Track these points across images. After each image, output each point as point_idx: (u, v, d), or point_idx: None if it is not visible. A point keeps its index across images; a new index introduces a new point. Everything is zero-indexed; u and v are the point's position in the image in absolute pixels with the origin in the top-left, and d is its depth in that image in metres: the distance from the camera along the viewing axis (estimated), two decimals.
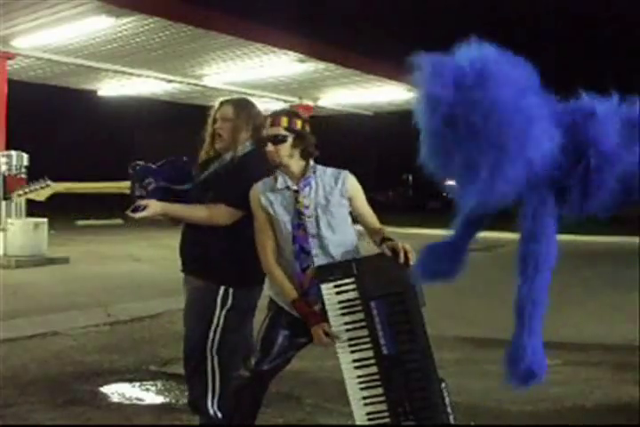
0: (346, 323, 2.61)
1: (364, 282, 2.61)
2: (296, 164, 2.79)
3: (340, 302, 2.62)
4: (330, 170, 2.85)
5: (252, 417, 2.86)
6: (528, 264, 2.41)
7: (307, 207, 2.75)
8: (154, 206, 2.87)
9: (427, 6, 36.69)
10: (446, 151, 2.20)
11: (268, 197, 2.78)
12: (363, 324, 2.60)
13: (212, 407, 2.96)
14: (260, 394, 2.82)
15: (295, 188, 2.77)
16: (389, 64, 15.22)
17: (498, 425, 3.61)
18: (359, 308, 2.61)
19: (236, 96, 3.25)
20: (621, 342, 5.30)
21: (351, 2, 38.73)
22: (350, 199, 2.82)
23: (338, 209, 2.78)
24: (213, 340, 2.93)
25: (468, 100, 2.06)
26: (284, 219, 2.76)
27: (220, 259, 2.96)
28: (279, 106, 18.13)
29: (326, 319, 2.64)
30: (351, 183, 2.83)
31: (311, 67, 13.70)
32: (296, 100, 17.30)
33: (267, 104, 18.20)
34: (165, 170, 3.09)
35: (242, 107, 3.07)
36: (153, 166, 3.10)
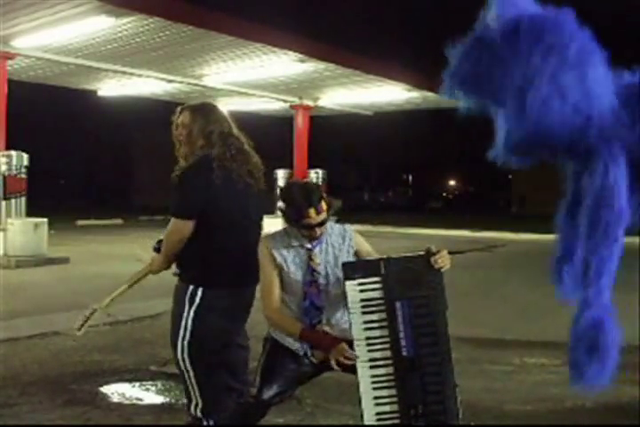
0: (366, 322, 2.61)
1: (390, 282, 2.61)
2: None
3: (363, 300, 2.62)
4: (336, 227, 2.92)
5: None
6: (596, 229, 2.36)
7: (318, 264, 2.81)
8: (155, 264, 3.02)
9: (426, 6, 36.71)
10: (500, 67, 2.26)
11: (282, 254, 2.83)
12: (383, 324, 2.60)
13: (195, 410, 2.96)
14: (258, 419, 2.81)
15: (309, 246, 2.82)
16: (389, 64, 15.25)
17: (498, 425, 3.61)
18: (382, 307, 2.61)
19: (197, 101, 3.21)
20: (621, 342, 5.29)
21: (351, 2, 38.76)
22: (357, 252, 2.90)
23: None
24: (183, 339, 2.92)
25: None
26: (297, 276, 2.81)
27: (189, 258, 2.98)
28: (279, 106, 18.17)
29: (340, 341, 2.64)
30: (356, 240, 2.92)
31: (311, 67, 13.70)
32: (296, 100, 17.30)
33: (267, 104, 18.27)
34: None
35: (198, 113, 3.03)
36: None
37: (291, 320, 2.77)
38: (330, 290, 2.82)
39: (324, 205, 2.76)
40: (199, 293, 2.93)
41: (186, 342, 2.92)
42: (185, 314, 2.94)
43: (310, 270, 2.81)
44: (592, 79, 2.25)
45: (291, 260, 2.83)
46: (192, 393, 2.96)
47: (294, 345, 2.85)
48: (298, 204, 2.74)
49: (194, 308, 2.93)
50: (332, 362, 2.64)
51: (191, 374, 2.93)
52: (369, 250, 2.95)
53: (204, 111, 3.05)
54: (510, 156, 2.41)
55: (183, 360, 2.93)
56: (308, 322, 2.79)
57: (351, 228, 2.96)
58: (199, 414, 2.95)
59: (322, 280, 2.82)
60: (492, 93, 2.34)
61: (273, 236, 2.90)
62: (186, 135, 3.01)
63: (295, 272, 2.82)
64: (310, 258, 2.82)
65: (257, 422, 2.80)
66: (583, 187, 2.42)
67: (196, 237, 2.94)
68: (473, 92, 2.39)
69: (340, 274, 2.76)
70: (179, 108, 3.11)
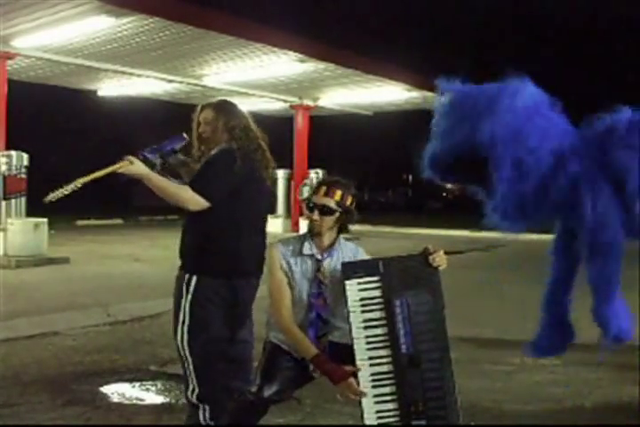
0: (365, 320, 2.63)
1: (389, 281, 2.65)
2: (329, 236, 2.85)
3: (363, 299, 2.64)
4: (349, 244, 2.93)
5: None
6: (596, 254, 2.52)
7: (326, 277, 2.81)
8: (138, 166, 2.93)
9: (426, 6, 36.72)
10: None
11: (288, 262, 2.83)
12: (382, 322, 2.63)
13: (192, 398, 3.00)
14: (259, 416, 2.82)
15: (319, 257, 2.82)
16: (389, 64, 15.24)
17: (498, 425, 3.61)
18: (381, 306, 2.64)
19: (216, 99, 3.33)
20: None
21: (351, 2, 38.78)
22: None
23: None
24: (183, 325, 2.98)
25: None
26: (302, 286, 2.81)
27: (188, 248, 3.06)
28: (279, 106, 18.15)
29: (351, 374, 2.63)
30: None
31: (311, 67, 13.70)
32: (296, 100, 17.30)
33: (267, 104, 18.25)
34: (164, 144, 3.23)
35: (220, 109, 3.15)
36: (153, 146, 3.21)
37: (306, 342, 2.73)
38: (334, 302, 2.81)
39: (337, 194, 2.78)
40: (193, 280, 2.99)
41: (185, 328, 2.98)
42: (183, 301, 3.00)
43: (317, 282, 2.81)
44: (549, 131, 2.49)
45: (297, 268, 2.82)
46: (189, 380, 3.01)
47: (292, 349, 2.85)
48: (321, 181, 2.91)
49: (190, 295, 2.98)
50: (338, 395, 2.64)
51: (189, 360, 2.98)
52: None
53: (226, 107, 3.17)
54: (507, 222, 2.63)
55: (182, 347, 2.99)
56: (313, 334, 2.78)
57: (362, 250, 2.96)
58: (194, 399, 3.00)
59: (327, 293, 2.81)
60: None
61: (286, 242, 2.90)
62: (210, 132, 3.11)
63: (300, 282, 2.81)
64: (318, 269, 2.81)
65: (257, 421, 2.81)
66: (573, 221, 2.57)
67: (199, 225, 2.99)
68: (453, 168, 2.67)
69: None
70: (199, 106, 3.21)
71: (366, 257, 2.91)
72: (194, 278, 2.99)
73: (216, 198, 2.93)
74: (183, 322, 2.98)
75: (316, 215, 2.79)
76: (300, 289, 2.81)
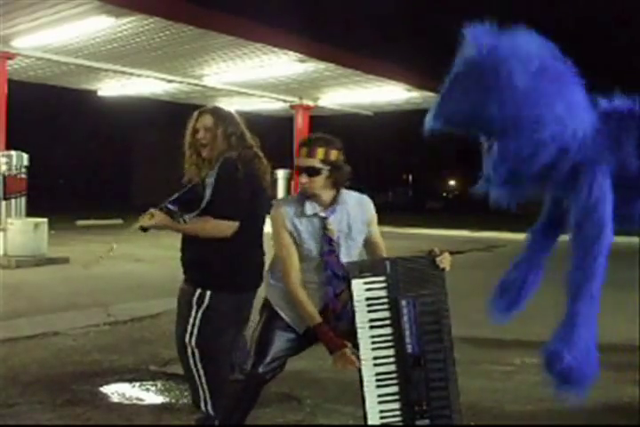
0: (371, 320, 2.63)
1: (396, 281, 2.65)
2: (327, 193, 2.78)
3: (369, 298, 2.64)
4: (353, 195, 2.86)
5: (245, 416, 2.86)
6: (578, 245, 2.51)
7: (335, 234, 2.78)
8: (159, 217, 2.91)
9: (426, 7, 36.72)
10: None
11: (294, 223, 2.77)
12: (388, 322, 2.63)
13: (206, 406, 3.00)
14: (255, 396, 2.81)
15: (323, 215, 2.77)
16: (389, 64, 15.24)
17: (498, 425, 3.61)
18: (386, 306, 2.64)
19: (210, 105, 3.26)
20: (621, 342, 5.29)
21: (352, 2, 38.76)
22: (368, 225, 2.87)
23: (358, 236, 2.82)
24: (190, 338, 2.96)
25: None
26: (310, 246, 2.77)
27: (198, 262, 3.01)
28: (279, 106, 18.16)
29: (349, 341, 2.63)
30: (371, 211, 2.88)
31: (311, 67, 13.70)
32: (296, 100, 17.30)
33: (267, 104, 18.26)
34: (183, 196, 3.13)
35: (219, 116, 3.10)
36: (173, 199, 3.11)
37: (310, 307, 2.72)
38: (347, 257, 2.79)
39: (319, 152, 2.70)
40: (207, 296, 2.97)
41: (194, 342, 2.96)
42: (192, 317, 2.97)
43: (327, 240, 2.76)
44: (574, 100, 2.36)
45: (304, 229, 2.77)
46: (201, 392, 3.00)
47: (294, 322, 2.82)
48: (302, 141, 2.80)
49: (201, 311, 2.97)
50: (333, 364, 2.64)
51: (201, 372, 2.97)
52: (376, 231, 2.92)
53: (223, 114, 3.12)
54: (500, 189, 2.58)
55: (194, 360, 2.96)
56: (331, 292, 2.75)
57: (368, 199, 2.90)
58: (211, 410, 3.00)
59: (338, 249, 2.78)
60: (481, 126, 2.46)
61: (287, 202, 2.84)
62: (210, 139, 3.04)
63: (308, 241, 2.76)
64: (325, 227, 2.76)
65: (254, 401, 2.81)
66: (564, 210, 2.53)
67: (211, 240, 2.94)
68: (459, 127, 2.52)
69: (352, 247, 2.79)
70: (196, 113, 3.14)
71: (371, 205, 2.88)
72: (207, 294, 2.97)
73: (240, 214, 2.90)
74: (191, 334, 2.97)
75: (304, 178, 2.72)
76: (308, 248, 2.77)
